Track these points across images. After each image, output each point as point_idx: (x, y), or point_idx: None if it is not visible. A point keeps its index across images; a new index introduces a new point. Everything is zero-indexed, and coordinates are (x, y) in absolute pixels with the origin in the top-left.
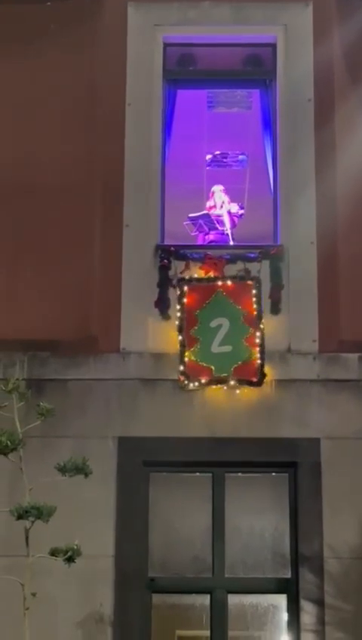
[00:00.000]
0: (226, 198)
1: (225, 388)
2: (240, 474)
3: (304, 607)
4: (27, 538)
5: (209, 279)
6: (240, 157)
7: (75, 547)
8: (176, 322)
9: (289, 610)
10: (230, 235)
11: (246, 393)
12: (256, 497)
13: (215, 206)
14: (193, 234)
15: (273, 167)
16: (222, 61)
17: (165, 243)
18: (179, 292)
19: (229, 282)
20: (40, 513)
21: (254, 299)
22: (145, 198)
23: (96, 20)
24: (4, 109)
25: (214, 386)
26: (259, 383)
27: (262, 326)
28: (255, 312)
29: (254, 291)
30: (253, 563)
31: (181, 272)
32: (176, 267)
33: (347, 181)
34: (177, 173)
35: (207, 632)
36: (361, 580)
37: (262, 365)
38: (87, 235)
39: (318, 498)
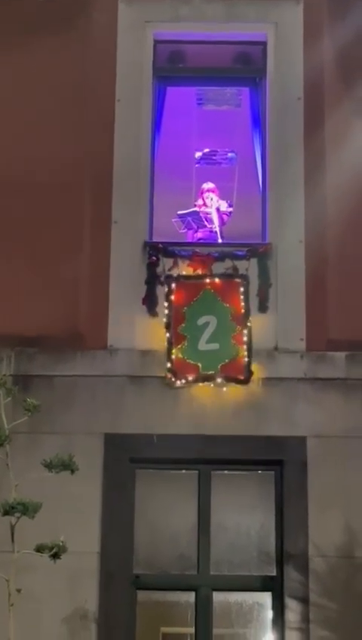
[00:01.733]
0: (215, 197)
1: (212, 385)
2: (226, 472)
3: (289, 605)
4: (13, 534)
5: (197, 277)
6: (230, 155)
7: (61, 543)
8: (164, 319)
9: (274, 607)
10: (218, 232)
11: (233, 391)
12: (242, 495)
13: (204, 203)
14: (182, 231)
15: (262, 166)
16: (212, 59)
17: (154, 240)
18: (166, 289)
19: (217, 280)
20: (26, 509)
21: (242, 297)
22: (134, 194)
23: (86, 15)
24: None
25: (201, 384)
26: (246, 381)
27: (249, 324)
28: (242, 310)
29: (242, 289)
30: (238, 561)
31: (169, 270)
32: (165, 264)
33: (336, 180)
34: (166, 170)
35: (192, 630)
36: (346, 578)
37: (249, 363)
38: (76, 232)
39: (304, 496)
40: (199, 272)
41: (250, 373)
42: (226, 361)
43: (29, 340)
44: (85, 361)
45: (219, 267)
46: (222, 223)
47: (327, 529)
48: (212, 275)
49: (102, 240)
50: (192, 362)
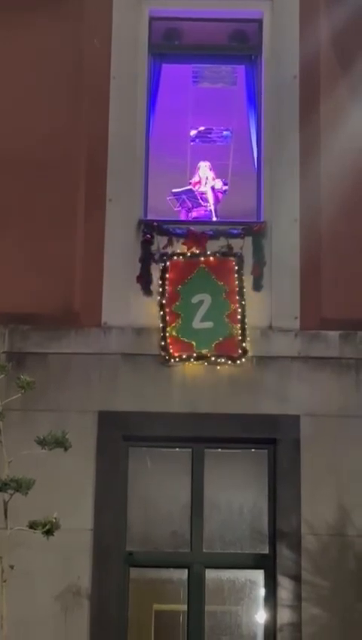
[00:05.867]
0: (211, 174)
1: (205, 364)
2: (219, 450)
3: (281, 583)
4: (6, 510)
5: (191, 255)
6: (225, 133)
7: (54, 520)
8: (158, 297)
9: (266, 585)
10: (213, 211)
11: (226, 369)
12: (235, 473)
13: (199, 182)
14: (176, 209)
15: (257, 144)
16: (208, 36)
17: (148, 218)
18: (161, 267)
19: (212, 258)
20: (19, 486)
21: (236, 275)
22: (128, 172)
23: None
24: None
25: (195, 362)
26: (240, 359)
27: (243, 302)
28: (237, 289)
29: (236, 268)
30: (231, 538)
31: (164, 248)
32: (159, 242)
33: (331, 158)
34: (161, 148)
35: (184, 607)
36: (338, 556)
37: (243, 341)
38: (70, 209)
39: (297, 475)
40: (193, 250)
41: (243, 351)
42: (220, 339)
43: (23, 317)
44: (79, 338)
45: (213, 245)
46: (216, 201)
47: (320, 507)
48: (206, 254)
49: (97, 218)
50: (186, 340)
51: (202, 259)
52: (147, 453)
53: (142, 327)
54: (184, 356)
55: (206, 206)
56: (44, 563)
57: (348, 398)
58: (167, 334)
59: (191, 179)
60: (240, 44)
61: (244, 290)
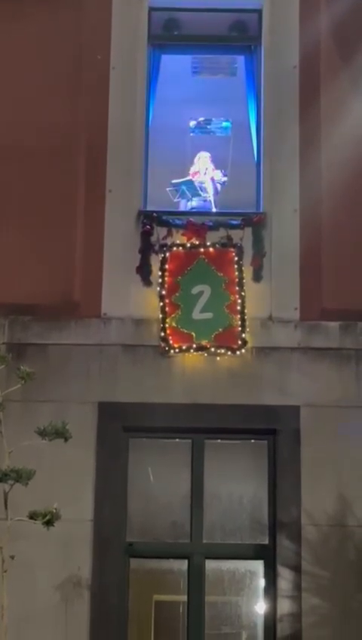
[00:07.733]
0: (211, 165)
1: (205, 355)
2: (219, 440)
3: (281, 574)
4: (6, 501)
5: (191, 246)
6: (224, 123)
7: (54, 511)
8: (158, 288)
9: (266, 576)
10: (213, 202)
11: (226, 360)
12: (236, 464)
13: (198, 172)
14: (176, 200)
15: (257, 135)
16: (208, 26)
17: (148, 209)
18: (161, 258)
19: (211, 249)
20: (19, 476)
21: (236, 266)
22: (128, 163)
23: None
24: None
25: (195, 353)
26: (240, 350)
27: (243, 293)
28: (236, 279)
29: (236, 258)
30: (231, 529)
31: (163, 239)
32: (159, 233)
33: (332, 149)
34: (161, 139)
35: (185, 597)
36: (338, 546)
37: (242, 332)
38: (70, 200)
39: (297, 465)
40: (193, 241)
41: (243, 342)
42: (220, 330)
43: (23, 308)
44: (79, 329)
45: (213, 236)
46: (216, 192)
47: (320, 498)
48: (206, 245)
49: (97, 208)
50: (186, 331)
51: (202, 250)
52: (147, 444)
53: (142, 318)
54: (184, 347)
55: (205, 197)
56: (45, 554)
57: (348, 388)
58: (167, 325)
59: (190, 170)
60: (240, 35)
61: (244, 281)
